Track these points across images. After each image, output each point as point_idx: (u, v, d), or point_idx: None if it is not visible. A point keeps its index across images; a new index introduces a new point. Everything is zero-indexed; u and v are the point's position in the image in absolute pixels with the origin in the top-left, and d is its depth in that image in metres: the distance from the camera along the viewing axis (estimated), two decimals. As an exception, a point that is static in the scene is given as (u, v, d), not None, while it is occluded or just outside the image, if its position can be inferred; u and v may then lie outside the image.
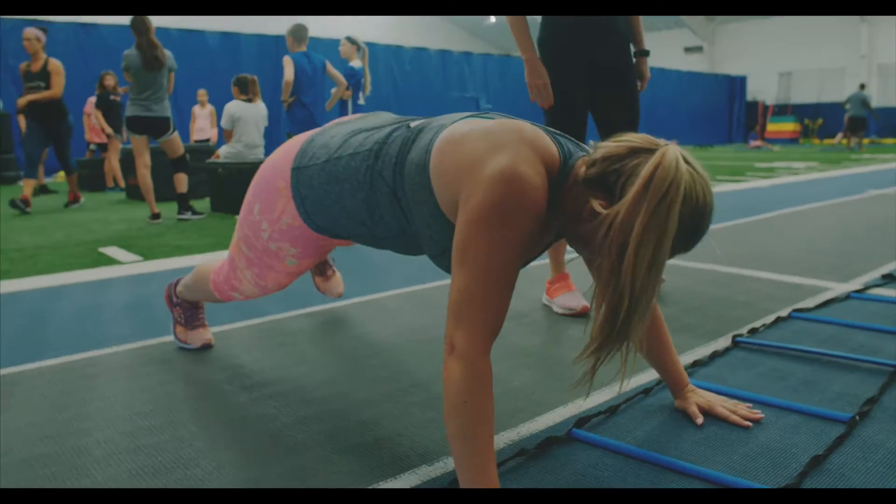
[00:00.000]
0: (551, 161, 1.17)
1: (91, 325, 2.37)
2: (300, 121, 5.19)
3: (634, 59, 2.62)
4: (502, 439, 1.43)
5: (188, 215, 5.42)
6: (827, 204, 5.54)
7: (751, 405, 1.55)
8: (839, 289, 2.68)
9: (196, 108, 9.63)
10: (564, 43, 2.43)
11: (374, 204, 1.34)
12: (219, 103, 10.68)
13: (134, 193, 7.30)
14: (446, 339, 1.11)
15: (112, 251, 3.95)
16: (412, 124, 1.36)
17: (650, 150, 1.10)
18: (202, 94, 9.69)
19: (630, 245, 1.03)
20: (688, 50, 26.90)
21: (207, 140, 9.40)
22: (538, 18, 2.54)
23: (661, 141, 1.12)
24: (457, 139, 1.20)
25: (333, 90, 5.91)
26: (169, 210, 5.97)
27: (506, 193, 1.08)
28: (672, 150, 1.06)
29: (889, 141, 21.46)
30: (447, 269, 1.29)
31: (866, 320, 2.24)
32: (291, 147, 1.51)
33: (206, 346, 2.09)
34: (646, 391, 1.66)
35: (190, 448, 1.43)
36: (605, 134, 2.45)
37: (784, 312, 2.33)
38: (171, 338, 2.18)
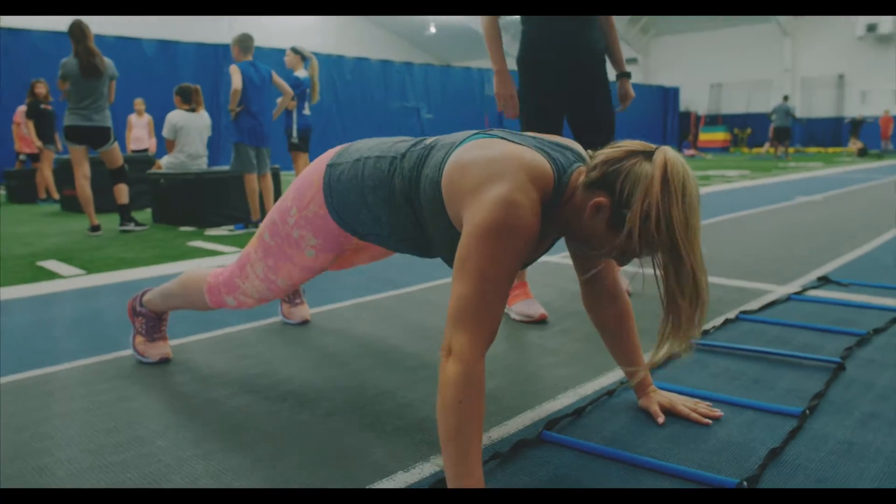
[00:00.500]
0: (546, 183, 1.29)
1: (40, 341, 2.29)
2: (248, 130, 5.13)
3: (618, 82, 2.74)
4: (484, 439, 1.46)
5: (131, 226, 5.28)
6: (761, 210, 5.79)
7: (709, 403, 1.62)
8: (779, 291, 2.82)
9: (132, 118, 9.38)
10: (542, 61, 2.56)
11: (393, 204, 1.48)
12: (156, 112, 10.43)
13: (69, 205, 7.06)
14: (445, 344, 1.21)
15: (52, 265, 3.81)
16: (427, 141, 1.50)
17: (645, 152, 1.24)
18: (139, 103, 9.45)
19: (678, 232, 1.17)
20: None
21: (145, 150, 9.16)
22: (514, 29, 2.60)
23: (652, 145, 1.25)
24: (464, 164, 1.33)
25: (279, 100, 5.86)
26: (108, 222, 5.79)
27: (502, 216, 1.21)
28: (670, 149, 1.22)
29: (812, 150, 22.51)
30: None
31: (807, 320, 2.37)
32: (333, 150, 1.67)
33: (164, 360, 2.06)
34: (609, 392, 1.71)
35: (159, 464, 1.40)
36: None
37: (732, 315, 2.43)
38: (126, 352, 2.13)
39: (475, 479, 1.14)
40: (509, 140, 1.35)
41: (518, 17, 2.66)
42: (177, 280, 1.98)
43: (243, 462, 1.40)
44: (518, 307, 2.48)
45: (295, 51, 6.19)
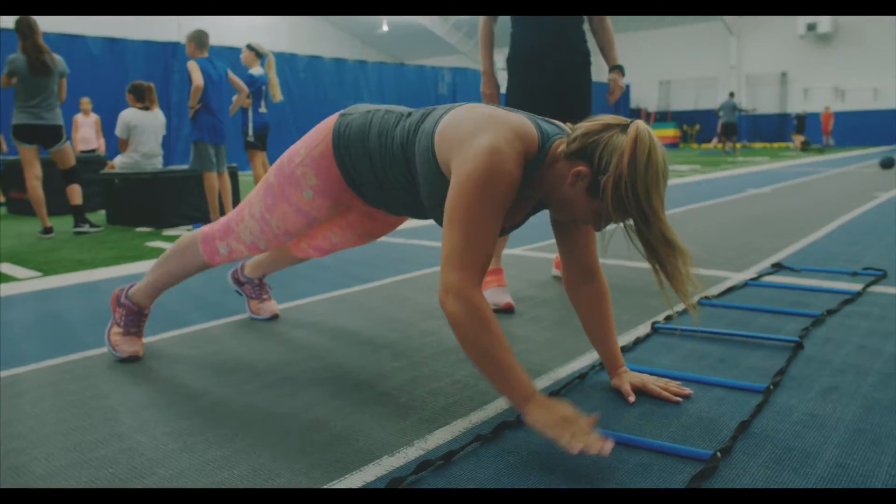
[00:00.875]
0: (531, 142, 1.43)
1: (2, 344, 2.23)
2: (208, 128, 5.06)
3: (609, 74, 2.89)
4: (457, 427, 1.49)
5: (85, 228, 5.15)
6: (714, 203, 5.96)
7: (679, 383, 1.68)
8: (736, 278, 2.92)
9: (79, 117, 9.12)
10: (528, 60, 2.74)
11: (390, 152, 1.63)
12: (103, 112, 10.18)
13: (17, 207, 6.84)
14: (441, 285, 1.36)
15: (6, 268, 3.70)
16: (427, 109, 1.66)
17: (620, 125, 1.37)
18: (85, 102, 9.20)
19: (643, 198, 1.31)
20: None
21: (94, 150, 8.92)
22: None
23: (626, 119, 1.39)
24: (457, 121, 1.48)
25: (235, 97, 5.79)
26: (59, 224, 5.64)
27: (486, 163, 1.36)
28: (642, 122, 1.36)
29: (758, 145, 23.19)
30: (440, 221, 1.55)
31: (764, 304, 2.46)
32: (340, 110, 1.83)
33: (133, 358, 2.03)
34: (581, 376, 1.76)
35: (142, 458, 1.39)
36: None
37: (694, 300, 2.51)
38: (95, 351, 2.09)
39: (523, 386, 1.33)
40: (502, 108, 1.51)
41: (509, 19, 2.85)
42: (163, 256, 2.05)
43: (227, 454, 1.40)
44: (488, 294, 2.52)
45: (250, 48, 6.13)
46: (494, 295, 2.51)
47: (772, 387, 1.63)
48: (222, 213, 5.32)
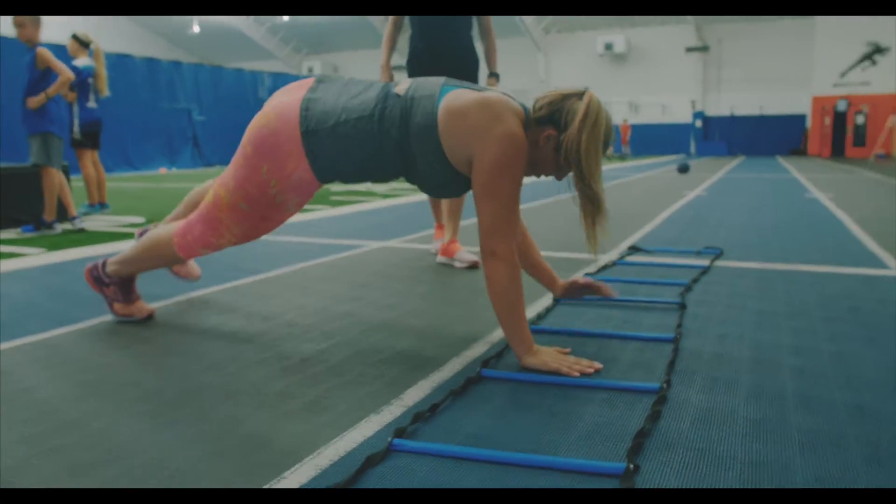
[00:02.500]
0: (522, 118, 1.74)
1: None
2: (58, 119, 4.60)
3: (487, 79, 3.30)
4: (424, 387, 1.57)
5: None
6: (562, 198, 6.45)
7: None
8: (603, 259, 3.25)
9: None
10: (424, 60, 3.10)
11: (382, 154, 1.78)
12: None
13: None
14: (484, 250, 1.68)
15: None
16: (398, 90, 1.78)
17: (577, 94, 1.70)
18: None
19: (583, 155, 1.64)
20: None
21: None
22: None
23: (580, 87, 1.72)
24: (461, 110, 1.69)
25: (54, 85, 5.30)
26: None
27: (510, 148, 1.66)
28: (593, 93, 1.69)
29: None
30: (439, 195, 1.87)
31: (637, 277, 2.79)
32: (286, 115, 1.79)
33: (150, 316, 2.21)
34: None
35: (109, 443, 1.33)
36: None
37: (580, 276, 2.78)
38: (13, 343, 1.91)
39: (528, 336, 1.69)
40: (482, 89, 1.78)
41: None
42: (139, 246, 2.11)
43: (199, 431, 1.38)
44: (459, 255, 3.11)
45: (76, 38, 5.65)
46: (466, 255, 3.09)
47: (664, 385, 1.54)
48: (61, 212, 4.84)
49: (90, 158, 5.92)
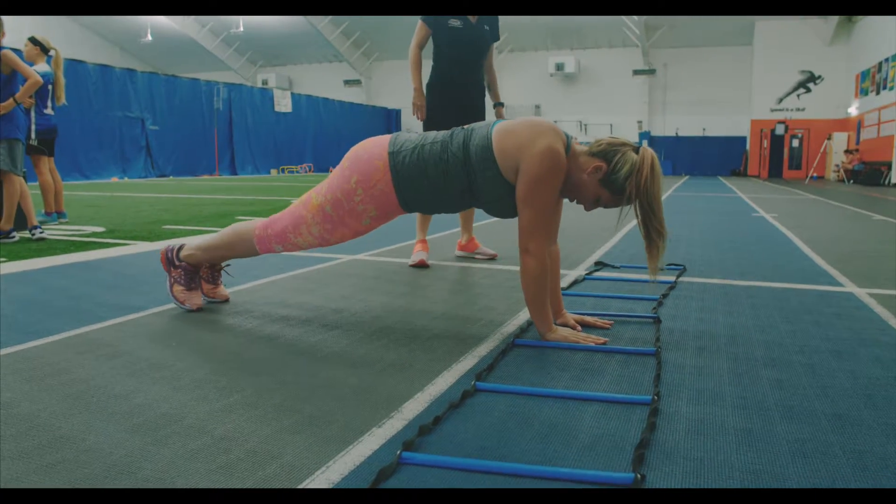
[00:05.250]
0: (564, 140, 2.06)
1: None
2: (24, 126, 4.47)
3: (494, 108, 3.90)
4: (425, 396, 1.59)
5: None
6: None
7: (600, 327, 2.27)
8: (573, 274, 3.32)
9: None
10: (445, 88, 3.67)
11: (450, 174, 2.10)
12: None
13: None
14: (521, 247, 2.03)
15: None
16: (461, 130, 2.16)
17: (629, 144, 2.05)
18: None
19: (654, 198, 1.99)
20: (347, 83, 28.54)
21: None
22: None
23: (632, 142, 2.06)
24: (510, 129, 2.05)
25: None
26: None
27: (550, 163, 1.98)
28: (649, 148, 2.01)
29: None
30: (495, 213, 2.15)
31: (608, 292, 2.86)
32: (379, 141, 2.19)
33: (199, 309, 2.44)
34: (507, 348, 1.95)
35: (110, 458, 1.31)
36: None
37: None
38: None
39: (549, 318, 2.07)
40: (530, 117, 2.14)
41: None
42: (221, 235, 2.40)
43: (199, 446, 1.36)
44: (480, 250, 3.87)
45: (35, 41, 5.49)
46: (484, 249, 3.88)
47: (656, 397, 1.59)
48: (20, 221, 4.66)
49: (46, 166, 5.74)
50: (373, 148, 2.16)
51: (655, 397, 1.59)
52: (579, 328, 2.22)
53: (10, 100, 4.35)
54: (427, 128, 3.65)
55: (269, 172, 21.13)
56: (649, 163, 1.98)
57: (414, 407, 1.56)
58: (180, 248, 2.46)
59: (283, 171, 21.79)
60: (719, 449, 1.34)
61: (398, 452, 1.28)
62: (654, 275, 2.06)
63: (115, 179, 15.12)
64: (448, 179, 2.09)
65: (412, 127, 27.50)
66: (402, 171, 2.11)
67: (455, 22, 3.57)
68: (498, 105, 3.90)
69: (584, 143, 2.10)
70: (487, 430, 1.44)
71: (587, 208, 2.13)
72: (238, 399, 1.60)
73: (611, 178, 2.01)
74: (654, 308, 2.53)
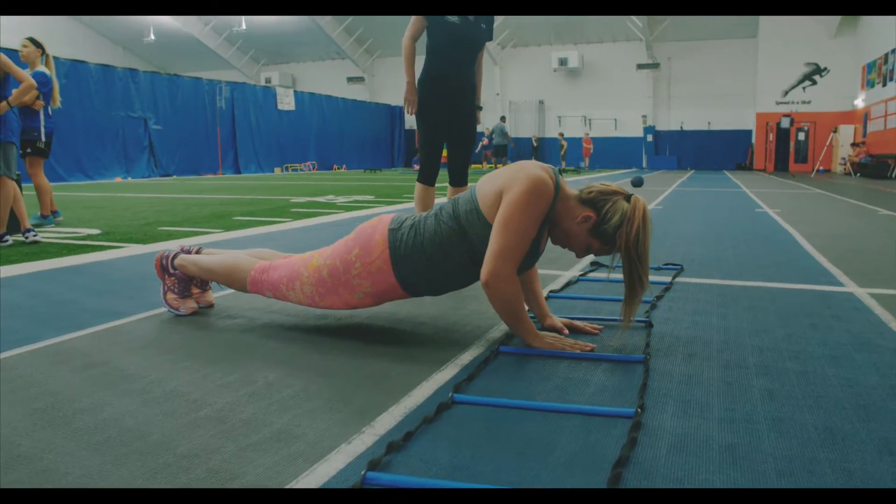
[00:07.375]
0: (553, 179, 2.00)
1: None
2: (17, 130, 4.42)
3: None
4: (400, 409, 1.54)
5: None
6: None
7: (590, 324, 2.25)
8: (566, 275, 3.26)
9: None
10: (438, 84, 3.62)
11: (446, 245, 2.06)
12: None
13: None
14: (491, 270, 1.92)
15: None
16: (450, 199, 2.15)
17: (623, 194, 2.00)
18: None
19: (643, 251, 1.94)
20: (350, 80, 28.47)
21: None
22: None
23: (623, 189, 2.01)
24: (493, 176, 2.04)
25: (15, 92, 5.10)
26: None
27: (533, 187, 1.92)
28: (640, 197, 1.98)
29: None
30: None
31: (600, 294, 2.80)
32: (384, 218, 2.18)
33: (193, 314, 2.45)
34: (489, 356, 1.89)
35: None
36: (450, 155, 3.82)
37: (545, 294, 2.78)
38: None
39: (531, 328, 2.01)
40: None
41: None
42: (221, 263, 2.37)
43: (162, 463, 1.31)
44: None
45: (35, 42, 5.40)
46: None
47: (639, 410, 1.54)
48: (13, 224, 4.62)
49: (40, 167, 5.69)
50: (378, 223, 2.16)
51: (639, 409, 1.53)
52: (566, 332, 2.17)
53: (3, 103, 4.30)
54: (419, 123, 3.69)
55: (272, 171, 21.10)
56: (640, 214, 1.93)
57: (387, 421, 1.50)
58: (175, 255, 2.46)
59: (286, 169, 21.76)
60: (701, 467, 1.28)
61: (362, 473, 1.23)
62: (626, 328, 2.02)
63: (119, 180, 15.12)
64: (446, 251, 2.06)
65: (413, 125, 27.45)
66: (399, 247, 2.08)
67: (453, 17, 3.54)
68: (477, 108, 3.84)
69: (574, 189, 2.07)
70: (462, 445, 1.38)
71: (578, 256, 2.10)
72: (206, 414, 1.55)
73: (600, 228, 1.98)
74: (647, 312, 2.46)
